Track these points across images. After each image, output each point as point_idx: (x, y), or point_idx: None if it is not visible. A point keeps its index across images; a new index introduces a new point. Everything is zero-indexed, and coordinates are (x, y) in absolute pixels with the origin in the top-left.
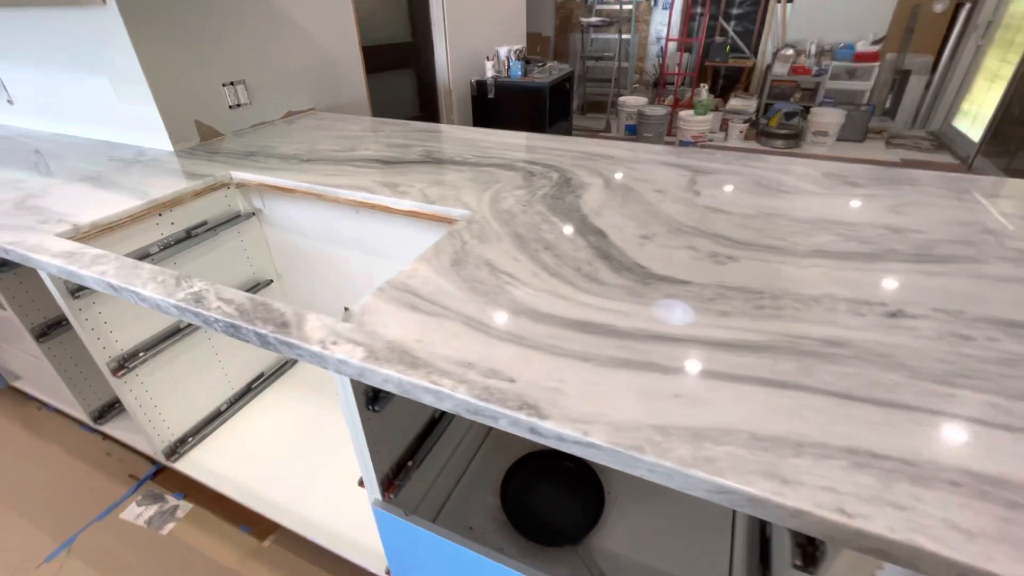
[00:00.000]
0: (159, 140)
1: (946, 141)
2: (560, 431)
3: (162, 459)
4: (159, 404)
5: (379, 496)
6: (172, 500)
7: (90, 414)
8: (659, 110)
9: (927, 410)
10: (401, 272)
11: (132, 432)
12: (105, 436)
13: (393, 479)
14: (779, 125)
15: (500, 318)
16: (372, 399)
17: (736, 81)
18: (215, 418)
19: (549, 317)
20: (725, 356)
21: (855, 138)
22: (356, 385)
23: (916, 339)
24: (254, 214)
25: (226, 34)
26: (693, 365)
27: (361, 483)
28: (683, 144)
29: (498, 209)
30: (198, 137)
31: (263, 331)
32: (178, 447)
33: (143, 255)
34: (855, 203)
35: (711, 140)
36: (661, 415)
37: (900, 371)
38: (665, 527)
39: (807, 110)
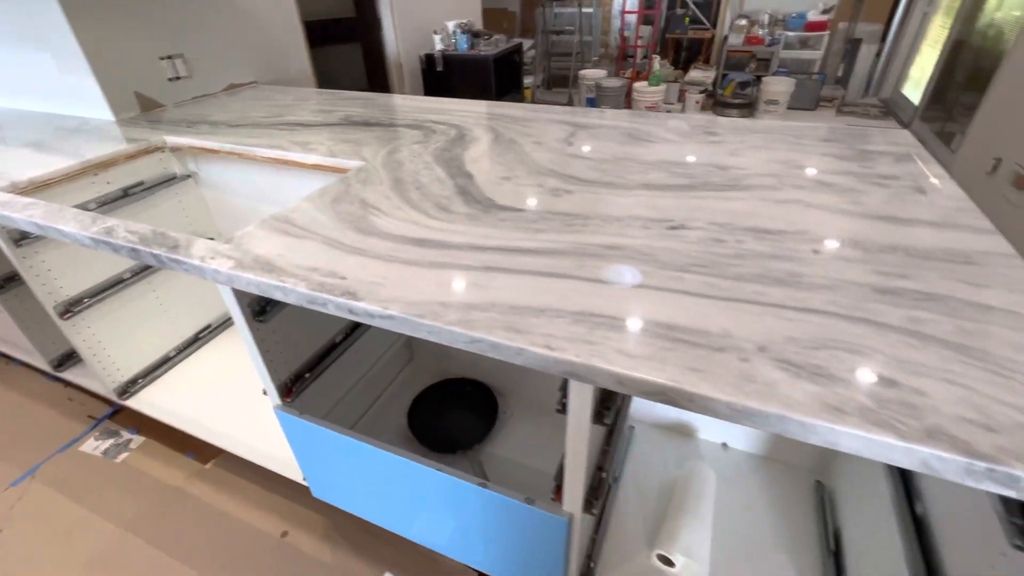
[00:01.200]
0: (101, 111)
1: (893, 108)
2: (369, 308)
3: (114, 397)
4: (108, 348)
5: (279, 401)
6: (126, 435)
7: (50, 362)
8: (615, 82)
9: (655, 288)
10: (286, 208)
11: (89, 377)
12: (67, 383)
13: (291, 387)
14: (733, 95)
15: (354, 238)
16: (258, 312)
17: (698, 53)
18: (164, 363)
19: (395, 236)
20: (520, 258)
21: (807, 106)
22: (240, 296)
23: (679, 243)
24: (190, 176)
25: (163, 9)
26: (491, 264)
27: (265, 392)
28: None
29: (390, 160)
30: (139, 108)
31: (158, 252)
32: (129, 387)
33: (82, 209)
34: (702, 148)
35: (669, 112)
36: (448, 296)
37: (652, 264)
38: (546, 437)
39: (760, 80)
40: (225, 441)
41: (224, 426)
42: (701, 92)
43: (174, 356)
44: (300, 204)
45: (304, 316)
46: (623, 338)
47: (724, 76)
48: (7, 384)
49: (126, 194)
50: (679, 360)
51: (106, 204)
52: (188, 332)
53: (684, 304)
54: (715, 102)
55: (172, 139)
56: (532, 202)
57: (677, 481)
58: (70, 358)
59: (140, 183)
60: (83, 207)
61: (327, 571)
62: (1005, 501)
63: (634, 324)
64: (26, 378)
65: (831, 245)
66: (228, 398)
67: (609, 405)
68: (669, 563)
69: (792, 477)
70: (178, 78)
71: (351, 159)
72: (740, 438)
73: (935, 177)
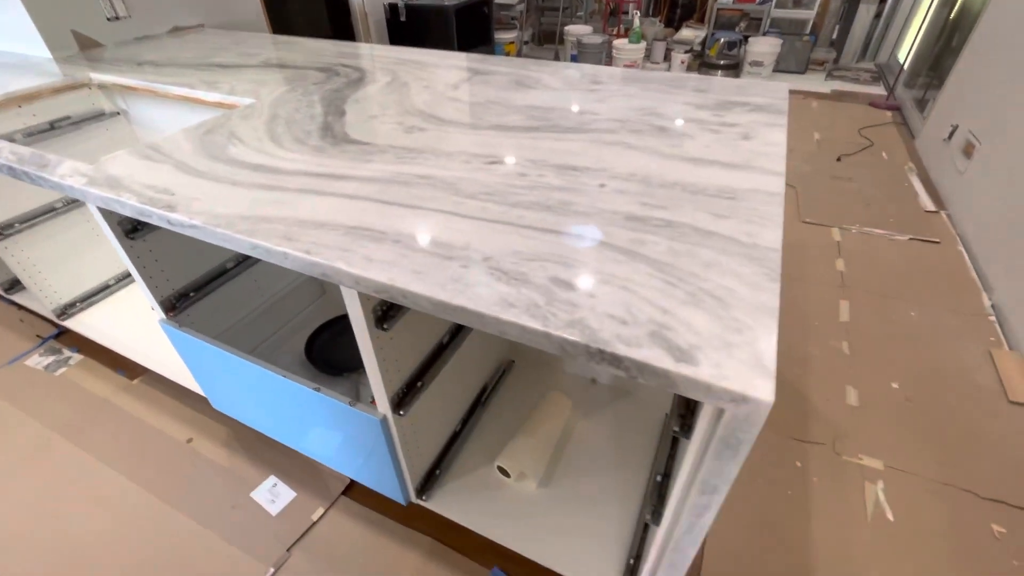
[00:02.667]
0: (39, 49)
1: (886, 72)
2: (181, 219)
3: (54, 318)
4: (45, 272)
5: (163, 315)
6: (67, 353)
7: (1, 285)
8: (596, 39)
9: (434, 209)
10: (161, 137)
11: (31, 300)
12: (19, 306)
13: (175, 304)
14: (719, 55)
15: (202, 163)
16: (130, 230)
17: (693, 11)
18: (103, 290)
19: (238, 163)
20: (337, 183)
21: (795, 68)
22: (107, 215)
23: (486, 175)
24: (119, 113)
25: None
26: (307, 187)
27: (152, 308)
28: None
29: (278, 99)
30: (77, 47)
31: (28, 170)
32: (67, 309)
33: (7, 139)
34: (576, 95)
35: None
36: (251, 211)
37: (447, 191)
38: None
39: (747, 40)
40: (148, 360)
41: (148, 347)
42: (687, 52)
43: (113, 284)
44: (176, 134)
45: (182, 240)
46: (376, 248)
47: (712, 35)
48: None
49: (53, 127)
50: (409, 265)
51: (33, 136)
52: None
53: (450, 223)
54: (701, 62)
55: (96, 76)
56: (382, 138)
57: (535, 407)
58: (19, 283)
59: (67, 117)
60: (8, 137)
61: (223, 474)
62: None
63: (395, 238)
64: None
65: (619, 181)
66: (155, 323)
67: (391, 315)
68: (506, 474)
69: (645, 411)
70: (117, 18)
71: (246, 97)
72: (605, 375)
73: (771, 126)
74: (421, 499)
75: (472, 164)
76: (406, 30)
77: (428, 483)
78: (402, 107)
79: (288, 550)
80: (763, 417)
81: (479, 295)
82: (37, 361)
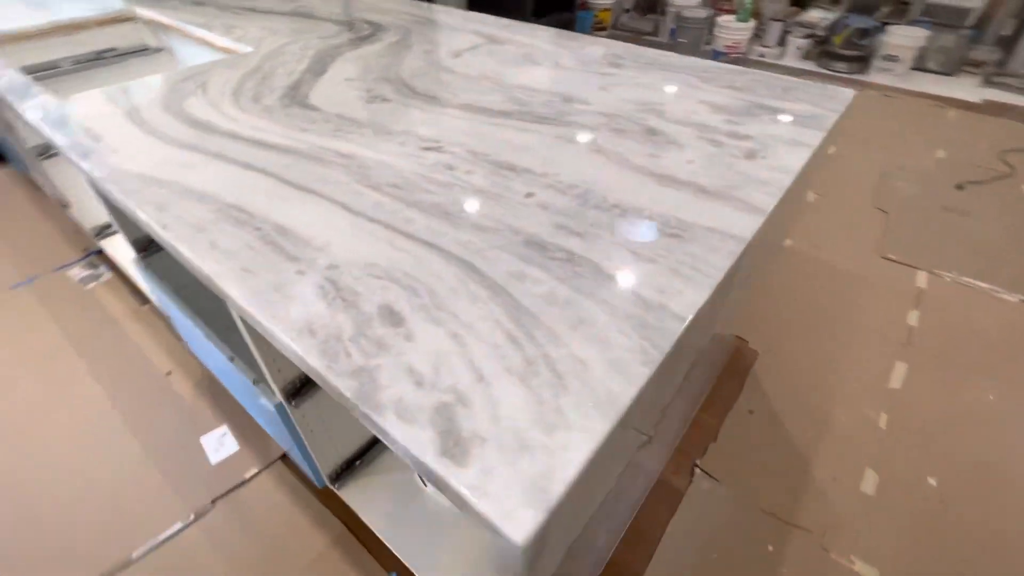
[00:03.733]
0: None
1: None
2: (85, 167)
3: (92, 237)
4: (84, 192)
5: (136, 255)
6: (101, 270)
7: (58, 201)
8: (700, 12)
9: (323, 196)
10: (142, 80)
11: (80, 217)
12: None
13: (146, 247)
14: (845, 44)
15: (152, 114)
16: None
17: None
18: None
19: (184, 117)
20: (253, 150)
21: (942, 69)
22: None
23: (409, 163)
24: (163, 49)
25: None
26: (222, 151)
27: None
28: (716, 56)
29: (274, 51)
30: None
31: (9, 98)
32: (104, 230)
33: (53, 66)
34: (582, 78)
35: (762, 56)
36: (154, 170)
37: (357, 177)
38: None
39: (884, 28)
40: (149, 293)
41: None
42: (806, 36)
43: None
44: (155, 78)
45: None
46: (231, 233)
47: (843, 19)
48: (45, 214)
49: (99, 57)
50: (245, 260)
51: (80, 63)
52: None
53: (329, 217)
54: (821, 51)
55: (141, 10)
56: (337, 105)
57: None
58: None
59: (112, 49)
60: (56, 63)
61: (184, 412)
62: None
63: (257, 225)
64: (57, 211)
65: (551, 192)
66: None
67: None
68: (424, 482)
69: None
70: None
71: (247, 46)
72: None
73: (794, 145)
74: (334, 486)
75: (407, 148)
76: None
77: (346, 472)
78: (384, 72)
79: (213, 502)
80: (516, 559)
81: (286, 313)
82: (76, 273)
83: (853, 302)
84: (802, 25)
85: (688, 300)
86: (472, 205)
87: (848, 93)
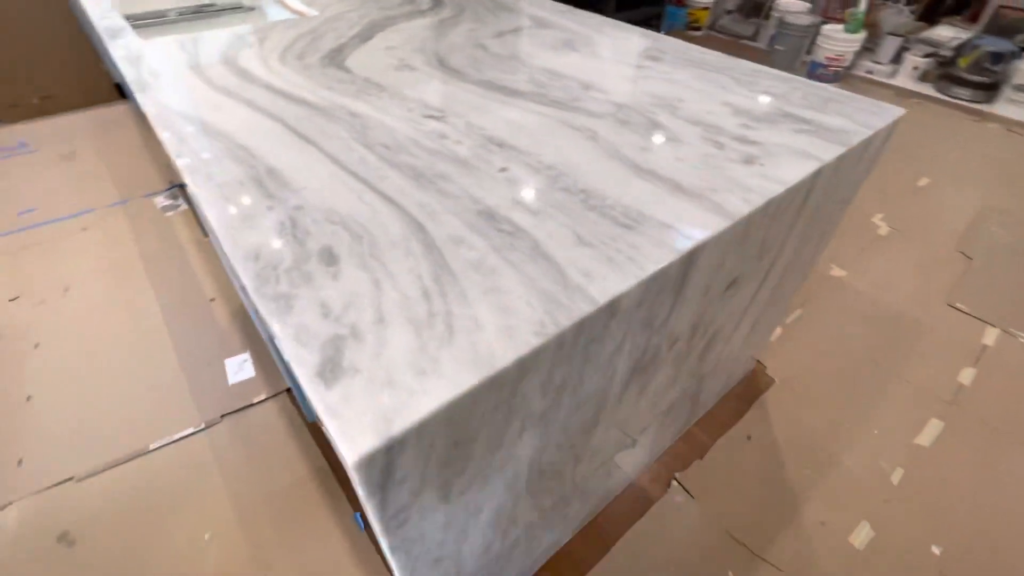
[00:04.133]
0: None
1: None
2: (141, 100)
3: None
4: None
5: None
6: (180, 201)
7: None
8: (803, 19)
9: (322, 150)
10: (213, 32)
11: None
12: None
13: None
14: (972, 68)
15: (207, 60)
16: None
17: (966, 5)
18: None
19: (233, 66)
20: (281, 102)
21: None
22: None
23: (408, 127)
24: (255, 8)
25: None
26: (252, 99)
27: None
28: (813, 67)
29: (334, 16)
30: None
31: (103, 37)
32: None
33: (161, 15)
34: (610, 68)
35: (870, 73)
36: (189, 108)
37: (356, 135)
38: None
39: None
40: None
41: None
42: (927, 56)
43: None
44: (223, 31)
45: None
46: (228, 167)
47: (974, 41)
48: (148, 146)
49: (200, 11)
50: (230, 192)
51: (184, 15)
52: None
53: (316, 166)
54: (942, 74)
55: None
56: (367, 70)
57: None
58: None
59: (211, 5)
60: (164, 13)
61: (218, 335)
62: None
63: (251, 164)
64: (157, 144)
65: (527, 171)
66: None
67: None
68: None
69: None
70: None
71: (314, 9)
72: None
73: (801, 157)
74: (320, 424)
75: (412, 114)
76: None
77: None
78: (423, 45)
79: (222, 416)
80: (354, 477)
81: (243, 239)
82: (160, 201)
83: (901, 348)
84: (925, 43)
85: (608, 287)
86: (447, 172)
87: (894, 111)
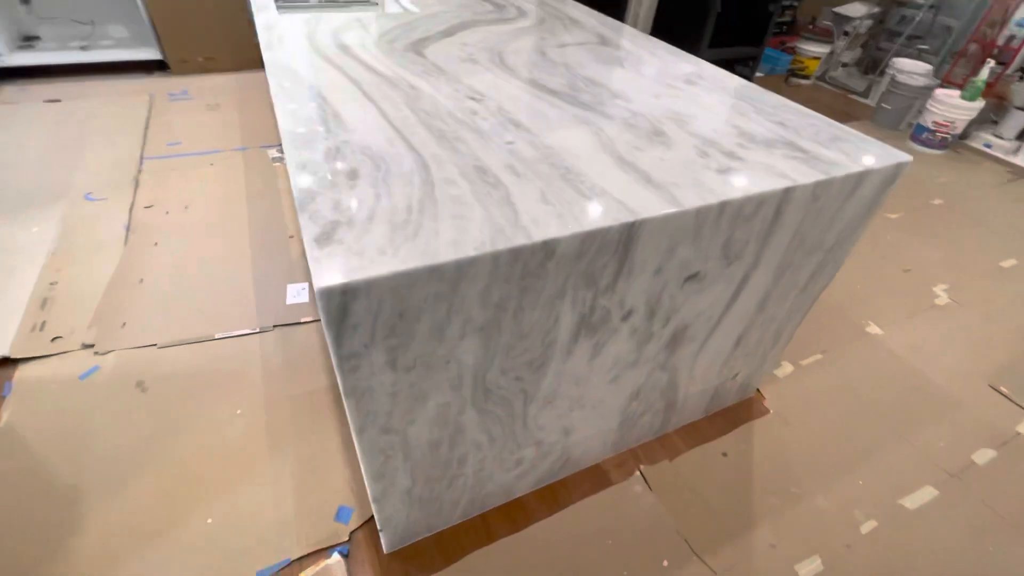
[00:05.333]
0: None
1: None
2: (266, 56)
3: None
4: None
5: None
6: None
7: None
8: (917, 79)
9: (377, 105)
10: (332, 13)
11: None
12: None
13: None
14: None
15: (320, 35)
16: None
17: None
18: None
19: (338, 43)
20: (363, 71)
21: None
22: None
23: (450, 102)
24: (378, 3)
25: None
26: (342, 66)
27: None
28: (917, 131)
29: (432, 14)
30: None
31: (254, 5)
32: None
33: (305, 0)
34: (644, 84)
35: (987, 147)
36: (297, 65)
37: (407, 99)
38: None
39: None
40: None
41: None
42: None
43: None
44: (342, 15)
45: None
46: (304, 105)
47: None
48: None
49: (335, 0)
50: (304, 125)
51: (323, 4)
52: None
53: (368, 114)
54: None
55: None
56: (439, 59)
57: None
58: None
59: None
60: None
61: (289, 265)
62: None
63: (322, 104)
64: None
65: (528, 147)
66: None
67: None
68: None
69: None
70: None
71: (416, 8)
72: None
73: (776, 175)
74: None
75: (458, 93)
76: (666, 8)
77: None
78: (493, 45)
79: (274, 327)
80: (320, 307)
81: (299, 156)
82: (272, 153)
83: (919, 414)
84: None
85: (547, 231)
86: (464, 137)
87: (898, 156)
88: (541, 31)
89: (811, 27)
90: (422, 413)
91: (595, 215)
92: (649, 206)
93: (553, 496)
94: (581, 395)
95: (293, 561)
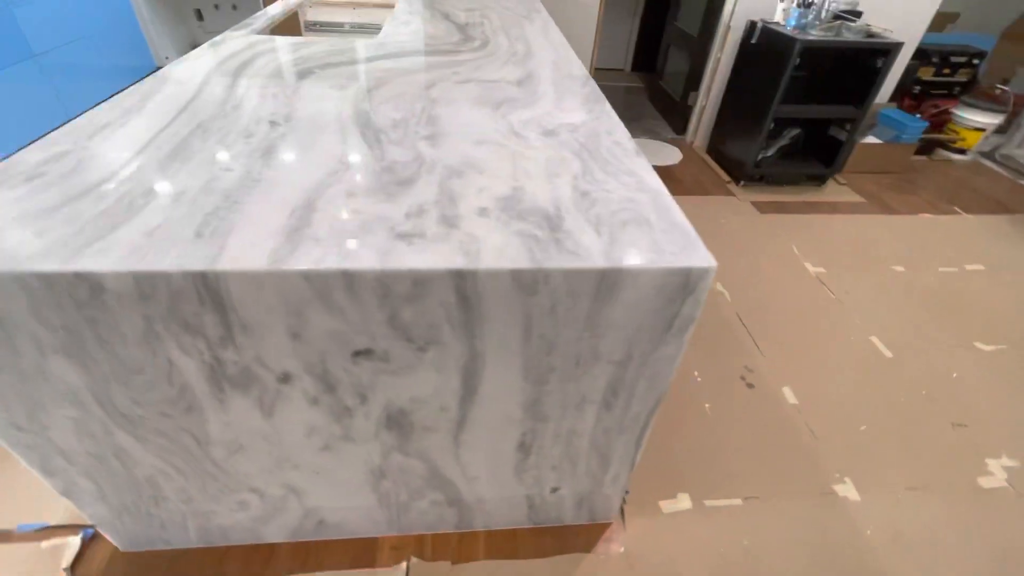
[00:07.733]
0: None
1: None
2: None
3: None
4: None
5: None
6: None
7: None
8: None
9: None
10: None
11: None
12: None
13: None
14: None
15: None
16: None
17: None
18: None
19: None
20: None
21: None
22: None
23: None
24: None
25: None
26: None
27: None
28: None
29: (401, 39)
30: None
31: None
32: None
33: (339, 24)
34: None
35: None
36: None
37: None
38: None
39: None
40: None
41: None
42: None
43: None
44: (339, 40)
45: None
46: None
47: None
48: None
49: (362, 27)
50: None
51: (354, 27)
52: None
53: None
54: None
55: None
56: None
57: None
58: None
59: (376, 25)
60: (339, 24)
61: None
62: None
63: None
64: None
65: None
66: None
67: None
68: None
69: None
70: None
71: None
72: None
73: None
74: None
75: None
76: (750, 60)
77: None
78: (383, 79)
79: None
80: None
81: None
82: None
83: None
84: None
85: (90, 264)
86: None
87: (699, 259)
88: (475, 64)
89: (987, 93)
90: (53, 421)
91: (154, 257)
92: (243, 259)
93: (307, 554)
94: (286, 455)
95: (50, 527)
